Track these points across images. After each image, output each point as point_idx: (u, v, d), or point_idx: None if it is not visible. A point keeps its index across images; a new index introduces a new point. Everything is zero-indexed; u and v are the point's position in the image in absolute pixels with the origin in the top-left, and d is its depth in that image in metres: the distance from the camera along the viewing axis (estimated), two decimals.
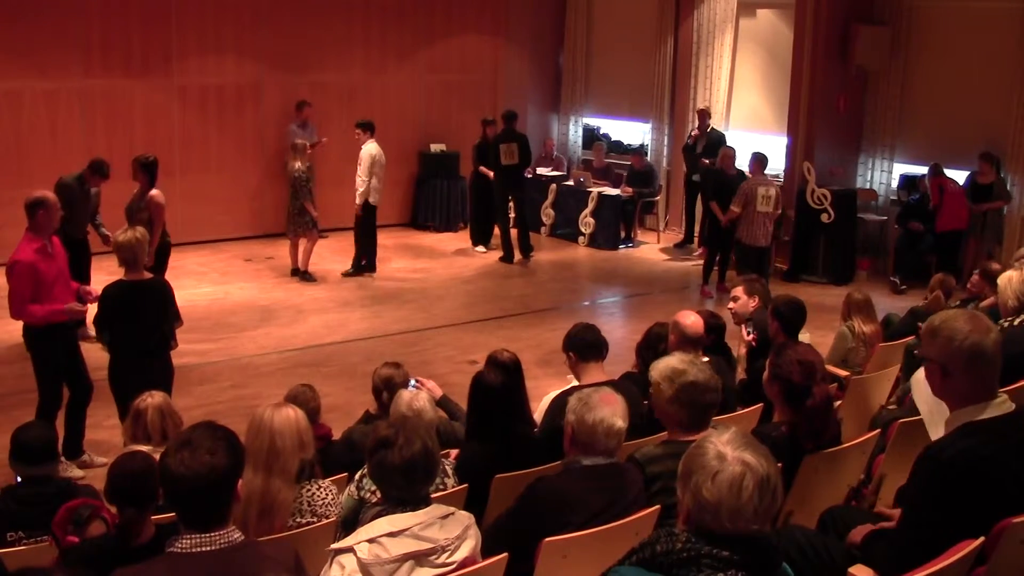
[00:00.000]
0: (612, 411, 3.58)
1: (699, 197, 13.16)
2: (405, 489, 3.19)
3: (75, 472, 6.34)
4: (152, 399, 4.68)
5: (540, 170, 14.56)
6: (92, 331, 8.46)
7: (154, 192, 8.64)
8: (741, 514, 2.18)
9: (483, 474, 4.17)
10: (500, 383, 4.53)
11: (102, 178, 8.85)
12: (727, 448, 2.25)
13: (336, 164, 13.06)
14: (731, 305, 6.43)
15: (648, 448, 3.84)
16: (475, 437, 4.52)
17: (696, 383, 3.71)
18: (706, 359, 4.95)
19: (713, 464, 2.22)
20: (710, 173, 11.52)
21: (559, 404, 4.52)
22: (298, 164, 11.06)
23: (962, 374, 3.02)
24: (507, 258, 12.63)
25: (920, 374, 4.19)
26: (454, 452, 4.52)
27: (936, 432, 3.83)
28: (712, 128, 13.10)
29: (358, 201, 11.42)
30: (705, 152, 12.82)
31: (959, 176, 11.42)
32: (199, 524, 2.54)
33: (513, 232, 12.68)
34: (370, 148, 11.39)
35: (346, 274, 11.61)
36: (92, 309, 6.63)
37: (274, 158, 13.00)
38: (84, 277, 8.64)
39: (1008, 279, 5.95)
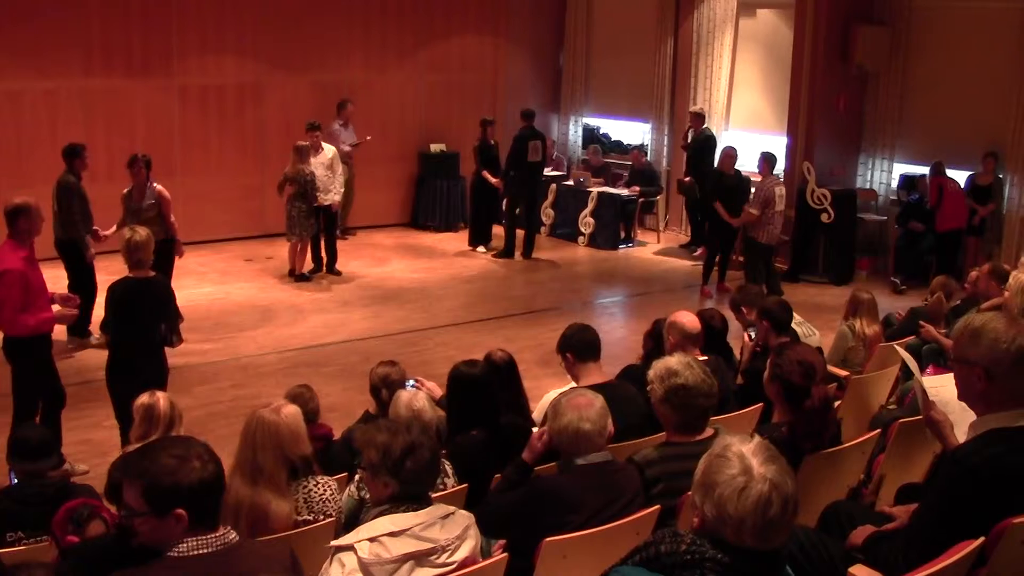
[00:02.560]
0: (578, 415, 3.59)
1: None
2: (428, 483, 3.27)
3: (80, 468, 6.34)
4: (160, 394, 4.68)
5: None
6: (95, 336, 8.50)
7: (159, 186, 8.84)
8: (764, 533, 2.16)
9: (475, 466, 4.18)
10: (474, 373, 4.56)
11: (82, 160, 8.78)
12: (753, 461, 2.19)
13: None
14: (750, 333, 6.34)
15: (647, 451, 3.84)
16: (457, 429, 4.56)
17: (686, 387, 3.70)
18: (704, 358, 4.96)
19: (740, 480, 2.17)
20: (716, 176, 11.55)
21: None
22: (306, 168, 11.00)
23: (1007, 378, 2.96)
24: (508, 253, 12.64)
25: (932, 379, 4.18)
26: None
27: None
28: (704, 128, 13.09)
29: (339, 199, 11.52)
30: (692, 154, 12.90)
31: (959, 176, 11.42)
32: (210, 524, 2.55)
33: (519, 232, 12.69)
34: (332, 147, 11.57)
35: (335, 272, 11.64)
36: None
37: (274, 158, 12.98)
38: (86, 281, 8.60)
39: (1022, 284, 5.95)
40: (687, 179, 12.92)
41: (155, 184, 8.84)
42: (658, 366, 3.84)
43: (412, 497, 3.17)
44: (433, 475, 3.34)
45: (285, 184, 10.98)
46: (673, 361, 3.83)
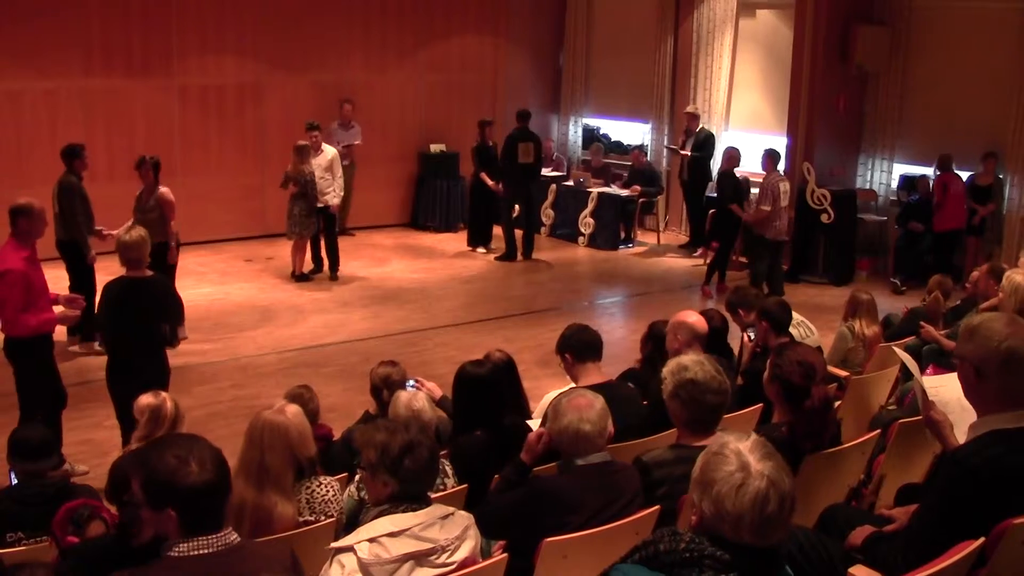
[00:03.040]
0: (578, 416, 3.59)
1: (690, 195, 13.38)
2: (427, 483, 3.28)
3: (80, 468, 6.33)
4: (165, 394, 4.65)
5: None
6: (97, 343, 8.49)
7: (164, 189, 8.81)
8: (762, 529, 2.17)
9: (477, 466, 4.17)
10: (482, 372, 4.55)
11: (82, 160, 8.72)
12: (750, 458, 2.20)
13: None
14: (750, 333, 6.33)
15: (657, 452, 3.83)
16: (462, 429, 4.55)
17: (694, 381, 3.70)
18: None
19: (737, 476, 2.18)
20: (707, 172, 11.57)
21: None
22: (306, 167, 10.99)
23: (995, 377, 2.96)
24: (509, 256, 12.63)
25: (932, 379, 4.19)
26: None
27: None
28: (701, 128, 13.17)
29: (337, 202, 11.45)
30: (693, 150, 13.02)
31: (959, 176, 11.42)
32: (211, 526, 2.55)
33: (518, 232, 12.69)
34: (332, 149, 11.53)
35: (334, 278, 11.51)
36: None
37: (274, 158, 12.99)
38: (87, 282, 8.56)
39: (1016, 285, 5.94)
40: (684, 152, 13.01)
41: (161, 187, 8.80)
42: (671, 363, 3.86)
43: (412, 497, 3.17)
44: (432, 475, 3.35)
45: (288, 182, 10.98)
46: (686, 358, 3.85)
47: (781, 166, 11.95)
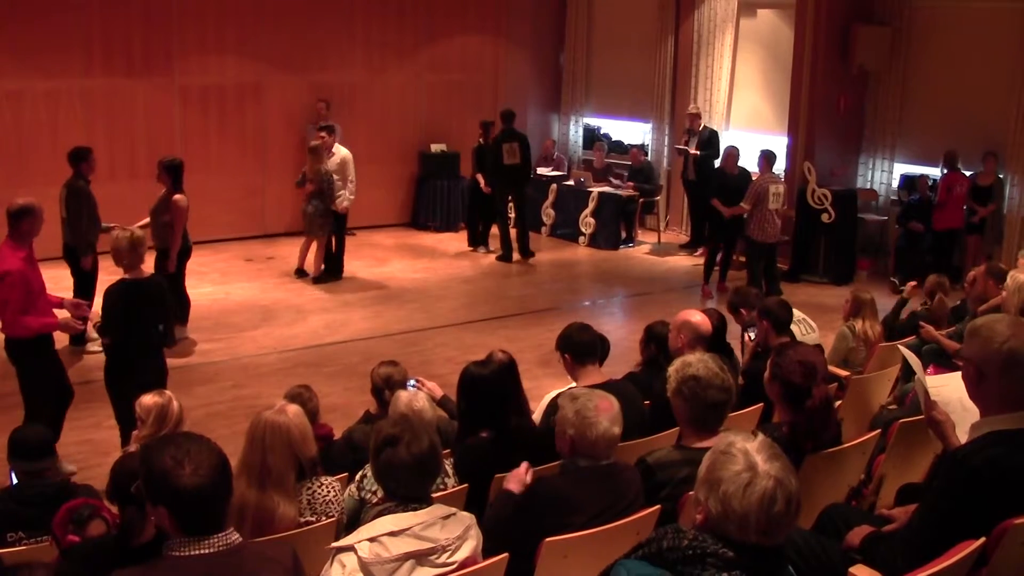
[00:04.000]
0: (611, 421, 3.59)
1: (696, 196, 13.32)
2: (414, 486, 3.21)
3: (68, 468, 6.31)
4: (168, 393, 4.63)
5: (540, 170, 14.55)
6: (93, 342, 8.46)
7: (177, 196, 8.61)
8: (768, 529, 2.18)
9: (482, 468, 4.17)
10: (487, 373, 4.54)
11: (89, 163, 8.63)
12: (757, 458, 2.22)
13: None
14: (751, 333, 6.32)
15: (660, 452, 3.83)
16: (468, 431, 4.53)
17: (697, 377, 3.71)
18: None
19: (744, 476, 2.19)
20: (713, 172, 11.56)
21: (556, 405, 4.51)
22: (322, 167, 10.93)
23: (996, 379, 2.97)
24: (506, 257, 12.62)
25: (934, 379, 4.19)
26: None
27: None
28: (704, 126, 13.18)
29: (346, 205, 11.33)
30: (699, 149, 13.02)
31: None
32: (211, 528, 2.54)
33: (513, 232, 12.68)
34: (344, 150, 11.45)
35: (317, 279, 11.29)
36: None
37: (274, 158, 13.01)
38: (88, 287, 8.54)
39: (1020, 284, 5.94)
40: (694, 151, 13.00)
41: (176, 194, 8.61)
42: (676, 361, 3.88)
43: (402, 496, 3.17)
44: (420, 476, 3.28)
45: (305, 182, 10.97)
46: (691, 356, 3.87)
47: (781, 166, 11.96)
